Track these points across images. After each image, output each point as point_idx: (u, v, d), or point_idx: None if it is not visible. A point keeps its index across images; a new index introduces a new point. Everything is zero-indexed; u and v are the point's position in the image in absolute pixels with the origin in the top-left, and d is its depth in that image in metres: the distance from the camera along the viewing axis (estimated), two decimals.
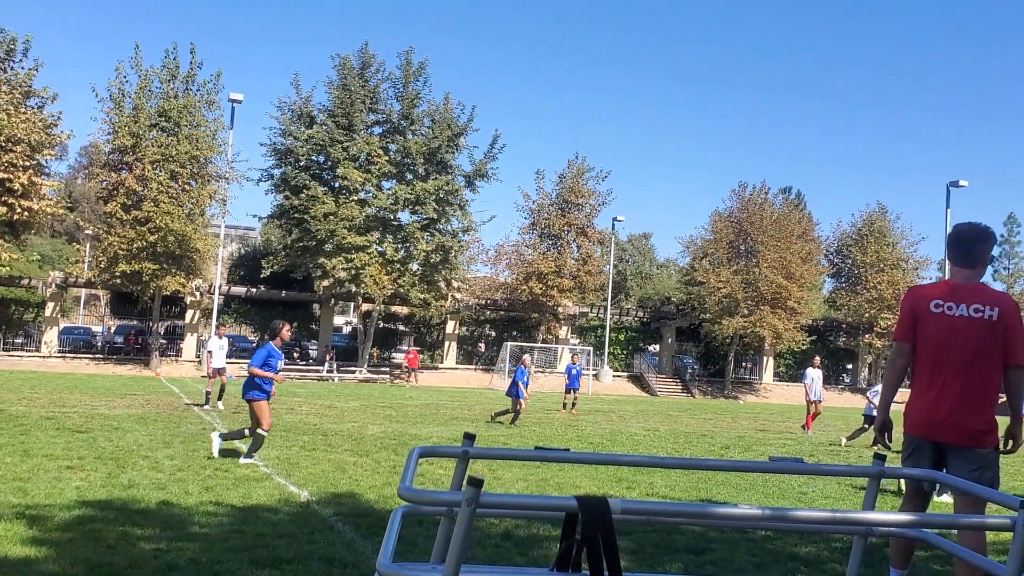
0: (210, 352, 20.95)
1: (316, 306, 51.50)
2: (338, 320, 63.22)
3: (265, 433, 11.04)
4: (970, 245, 4.95)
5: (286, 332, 11.50)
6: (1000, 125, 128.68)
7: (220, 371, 20.43)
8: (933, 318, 4.80)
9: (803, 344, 51.53)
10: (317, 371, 44.24)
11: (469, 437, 2.98)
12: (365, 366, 45.57)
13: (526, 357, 23.32)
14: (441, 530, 2.92)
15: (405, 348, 51.94)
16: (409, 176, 43.72)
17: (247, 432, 11.16)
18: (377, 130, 44.51)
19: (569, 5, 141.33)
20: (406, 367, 45.76)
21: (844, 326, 56.25)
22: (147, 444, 12.04)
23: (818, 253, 54.37)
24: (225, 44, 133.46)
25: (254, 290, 48.83)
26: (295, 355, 49.85)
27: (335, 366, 44.07)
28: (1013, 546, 2.23)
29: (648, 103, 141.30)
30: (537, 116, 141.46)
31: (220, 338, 21.44)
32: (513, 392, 20.72)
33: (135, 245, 37.41)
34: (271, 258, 43.98)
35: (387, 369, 47.46)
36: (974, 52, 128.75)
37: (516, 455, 3.04)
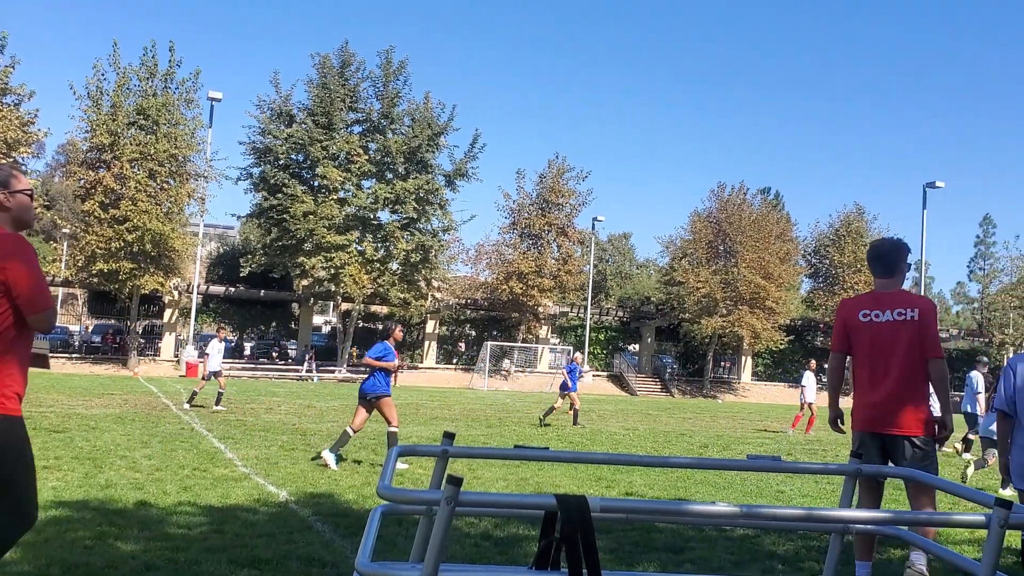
0: (207, 354, 20.90)
1: (295, 305, 51.32)
2: (317, 320, 62.96)
3: (396, 430, 11.23)
4: (888, 257, 5.58)
5: (398, 332, 11.94)
6: (976, 126, 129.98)
7: (216, 374, 20.33)
8: (863, 326, 5.40)
9: (781, 344, 51.85)
10: (296, 371, 44.08)
11: (448, 436, 2.98)
12: (345, 366, 45.42)
13: (578, 355, 24.15)
14: (420, 529, 2.92)
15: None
16: (389, 175, 43.64)
17: (350, 431, 11.06)
18: (357, 129, 44.41)
19: (550, 5, 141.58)
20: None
21: (822, 326, 56.64)
22: (125, 444, 11.96)
23: (796, 253, 54.75)
24: (204, 42, 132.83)
25: (232, 289, 48.58)
26: (274, 354, 49.63)
27: (314, 366, 43.90)
28: (987, 543, 2.26)
29: (628, 103, 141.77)
30: (518, 116, 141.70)
31: (220, 341, 21.35)
32: (567, 388, 21.11)
33: (113, 244, 37.15)
34: (250, 257, 43.77)
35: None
36: (952, 53, 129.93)
37: (496, 454, 3.05)
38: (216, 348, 20.88)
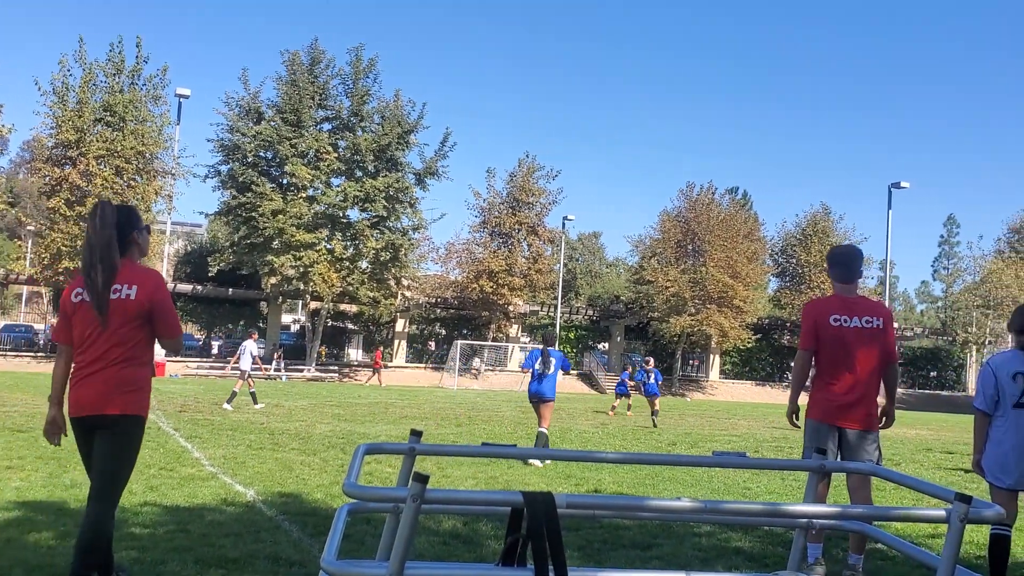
0: (246, 354, 21.42)
1: (264, 304, 51.01)
2: (286, 318, 62.62)
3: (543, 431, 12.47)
4: (854, 264, 6.04)
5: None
6: (941, 128, 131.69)
7: (245, 373, 21.07)
8: (832, 329, 5.79)
9: (748, 342, 52.26)
10: (264, 370, 43.74)
11: (416, 434, 2.98)
12: (313, 364, 45.18)
13: (650, 358, 26.80)
14: (387, 527, 2.92)
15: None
16: (359, 173, 43.48)
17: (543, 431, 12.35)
18: (326, 127, 44.21)
19: (521, 7, 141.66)
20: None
21: (788, 325, 57.16)
22: None
23: (763, 253, 55.23)
24: (173, 38, 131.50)
25: (200, 288, 48.17)
26: None
27: (283, 364, 43.62)
28: (948, 537, 2.29)
29: (598, 102, 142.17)
30: (488, 115, 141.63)
31: (255, 340, 22.27)
32: (650, 391, 23.59)
33: (79, 242, 36.68)
34: (218, 255, 43.44)
35: (336, 368, 47.10)
36: (918, 56, 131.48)
37: (463, 451, 3.05)
38: (255, 347, 21.80)
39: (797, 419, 6.13)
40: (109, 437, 4.43)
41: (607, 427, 20.88)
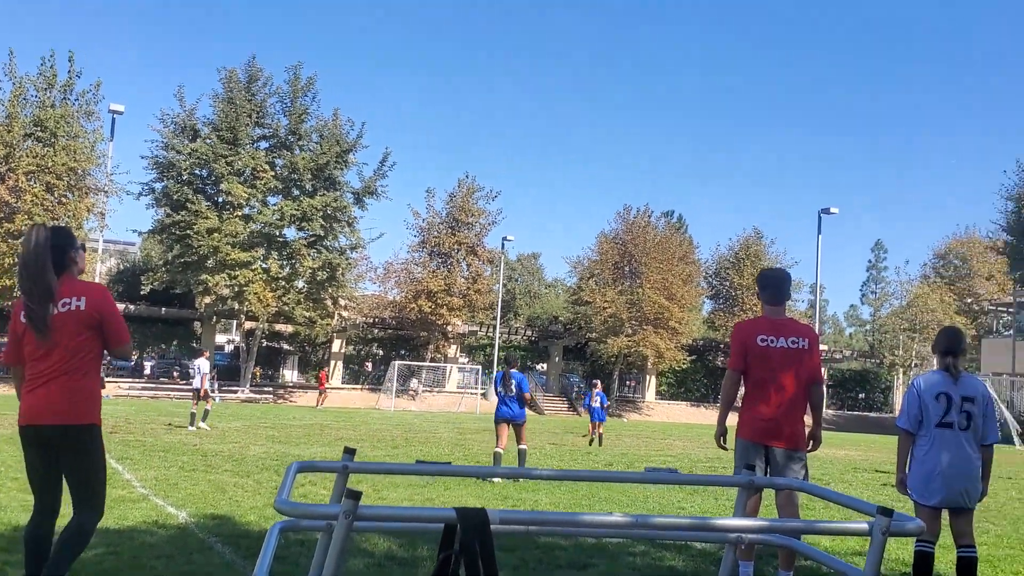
0: (198, 372, 21.52)
1: (197, 324, 50.11)
2: (220, 338, 61.56)
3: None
4: (784, 287, 6.18)
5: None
6: (869, 155, 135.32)
7: (204, 391, 21.32)
8: (760, 349, 5.89)
9: (683, 363, 52.87)
10: (197, 391, 42.88)
11: (349, 452, 2.99)
12: (248, 386, 44.49)
13: (597, 382, 26.60)
14: (319, 546, 2.91)
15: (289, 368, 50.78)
16: (296, 192, 43.11)
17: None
18: (263, 145, 43.81)
19: (459, 27, 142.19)
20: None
21: (722, 346, 58.03)
22: (16, 465, 11.49)
23: (698, 275, 56.04)
24: (107, 54, 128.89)
25: (133, 307, 47.18)
26: (175, 374, 48.35)
27: (216, 385, 42.84)
28: (871, 549, 2.37)
29: (538, 125, 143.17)
30: (428, 135, 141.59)
31: (206, 358, 22.42)
32: (598, 417, 23.59)
33: (7, 260, 35.69)
34: (151, 274, 42.67)
35: (270, 389, 46.46)
36: (846, 82, 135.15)
37: (397, 469, 3.07)
38: (207, 366, 21.86)
39: (724, 442, 6.18)
40: (68, 449, 4.55)
41: (543, 449, 20.94)
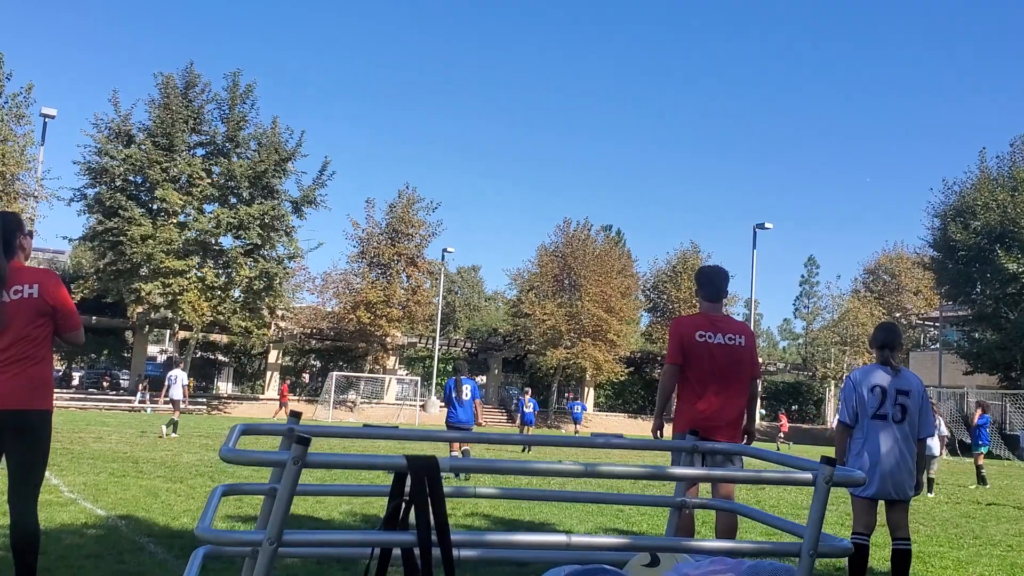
0: (177, 383, 21.75)
1: (129, 333, 49.05)
2: (152, 349, 60.29)
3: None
4: (720, 283, 6.26)
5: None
6: (802, 171, 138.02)
7: (176, 402, 21.64)
8: (698, 345, 5.93)
9: (621, 376, 53.27)
10: (128, 401, 41.96)
11: (295, 415, 2.93)
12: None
13: (528, 389, 30.14)
14: (245, 568, 2.77)
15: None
16: (233, 200, 42.51)
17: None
18: (200, 151, 43.12)
19: (399, 41, 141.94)
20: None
21: (660, 359, 58.61)
22: None
23: (636, 288, 56.60)
24: (39, 56, 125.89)
25: None
26: (104, 384, 47.21)
27: (148, 396, 41.93)
28: (815, 497, 2.36)
29: (478, 137, 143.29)
30: (368, 145, 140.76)
31: (182, 369, 22.94)
32: (527, 420, 26.02)
33: None
34: (82, 282, 41.56)
35: (204, 400, 45.62)
36: (777, 99, 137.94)
37: (345, 432, 3.02)
38: (184, 378, 22.33)
39: (661, 435, 6.18)
40: (19, 435, 4.54)
41: (483, 456, 20.86)
